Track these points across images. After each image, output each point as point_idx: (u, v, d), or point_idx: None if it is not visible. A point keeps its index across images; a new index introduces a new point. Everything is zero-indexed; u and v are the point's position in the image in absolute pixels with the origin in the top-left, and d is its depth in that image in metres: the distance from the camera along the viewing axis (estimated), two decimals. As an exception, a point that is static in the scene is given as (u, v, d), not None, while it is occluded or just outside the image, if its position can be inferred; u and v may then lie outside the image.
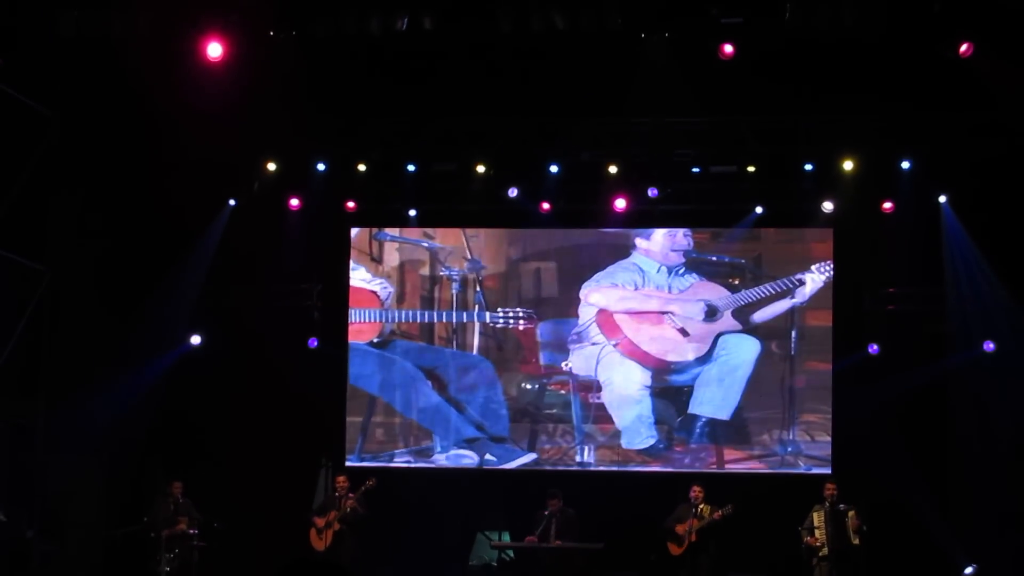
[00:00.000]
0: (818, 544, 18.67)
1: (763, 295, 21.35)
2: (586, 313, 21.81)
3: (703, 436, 21.40)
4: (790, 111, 19.84)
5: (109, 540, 20.27)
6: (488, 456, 21.81)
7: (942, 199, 20.59)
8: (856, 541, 18.60)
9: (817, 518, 18.80)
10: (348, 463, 21.70)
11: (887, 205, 20.63)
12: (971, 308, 20.46)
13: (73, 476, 20.47)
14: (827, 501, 18.76)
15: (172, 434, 21.34)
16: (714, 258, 21.64)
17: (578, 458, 21.68)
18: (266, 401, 21.16)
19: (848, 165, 20.16)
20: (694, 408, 21.44)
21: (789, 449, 21.13)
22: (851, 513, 18.60)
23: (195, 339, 21.58)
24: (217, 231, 21.53)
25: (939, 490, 20.08)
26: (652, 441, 21.51)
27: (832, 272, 21.09)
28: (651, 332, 21.59)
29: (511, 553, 21.61)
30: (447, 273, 22.10)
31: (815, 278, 21.18)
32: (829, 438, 20.95)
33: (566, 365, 21.79)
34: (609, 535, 19.73)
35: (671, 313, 21.58)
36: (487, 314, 22.00)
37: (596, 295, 21.82)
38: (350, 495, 19.72)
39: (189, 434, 21.32)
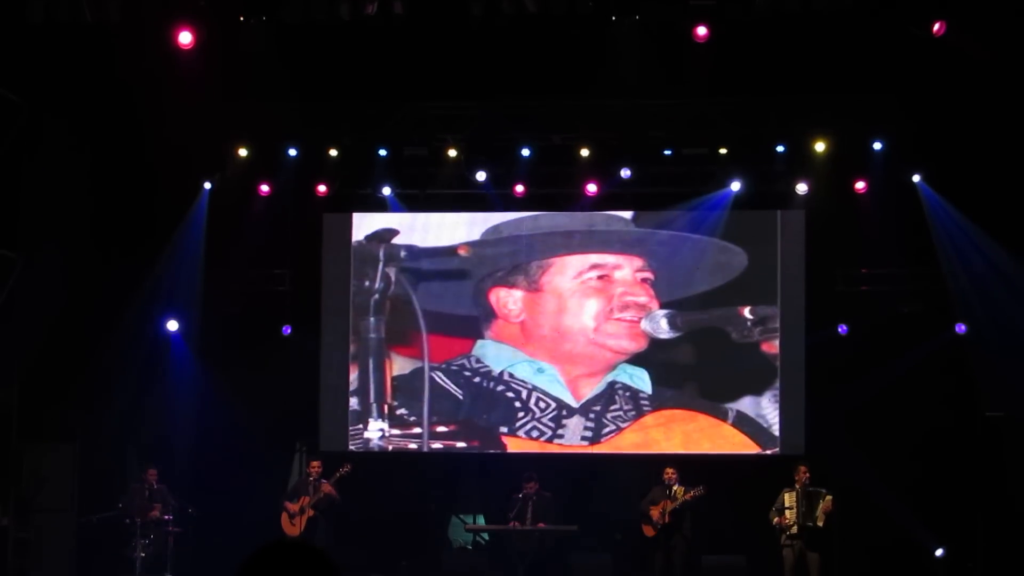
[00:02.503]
0: (788, 523, 18.76)
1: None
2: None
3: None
4: (761, 92, 19.86)
5: (84, 526, 20.24)
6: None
7: (916, 178, 20.61)
8: (820, 523, 18.68)
9: (788, 498, 18.88)
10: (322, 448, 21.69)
11: (859, 185, 20.67)
12: (963, 284, 20.46)
13: (48, 462, 20.43)
14: (798, 483, 18.84)
15: (147, 420, 21.29)
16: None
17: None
18: (240, 386, 21.14)
19: (820, 146, 20.20)
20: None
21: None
22: (828, 498, 18.68)
23: (172, 325, 21.51)
24: (197, 216, 21.46)
25: (911, 474, 20.11)
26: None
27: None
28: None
29: (486, 536, 21.66)
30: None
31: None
32: (797, 418, 21.00)
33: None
34: (583, 517, 19.78)
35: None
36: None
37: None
38: (323, 481, 19.73)
39: (164, 420, 21.27)
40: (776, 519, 18.89)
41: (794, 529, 18.74)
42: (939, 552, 19.46)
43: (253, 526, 20.17)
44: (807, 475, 18.84)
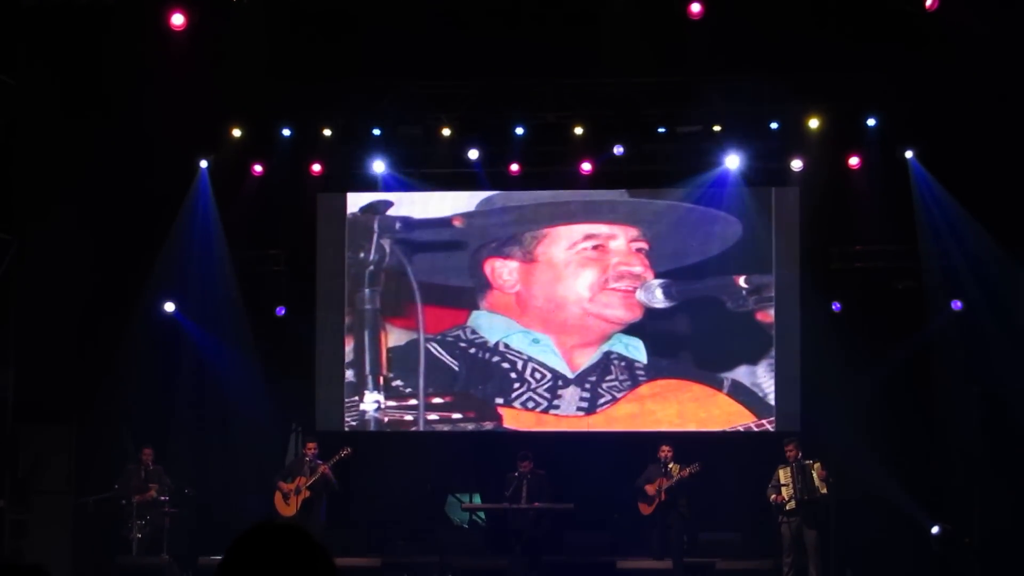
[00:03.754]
0: (785, 499, 18.79)
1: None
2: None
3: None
4: (755, 70, 19.83)
5: (80, 507, 20.24)
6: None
7: (908, 154, 20.60)
8: (824, 490, 18.74)
9: (784, 475, 18.91)
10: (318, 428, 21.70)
11: (853, 161, 20.65)
12: (949, 262, 20.48)
13: (44, 444, 20.44)
14: (790, 459, 18.88)
15: (143, 401, 21.29)
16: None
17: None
18: (235, 367, 21.16)
19: (814, 123, 20.20)
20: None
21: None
22: (816, 464, 18.73)
23: (169, 306, 21.49)
24: (192, 197, 21.45)
25: (908, 452, 20.12)
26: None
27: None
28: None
29: (482, 515, 21.68)
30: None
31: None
32: (793, 389, 21.05)
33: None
34: (579, 496, 19.79)
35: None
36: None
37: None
38: (319, 461, 19.71)
39: (160, 401, 21.27)
40: (773, 496, 18.92)
41: (791, 505, 18.77)
42: (935, 529, 19.45)
43: (249, 506, 20.25)
44: (796, 452, 18.88)
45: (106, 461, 20.56)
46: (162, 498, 19.61)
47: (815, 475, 18.71)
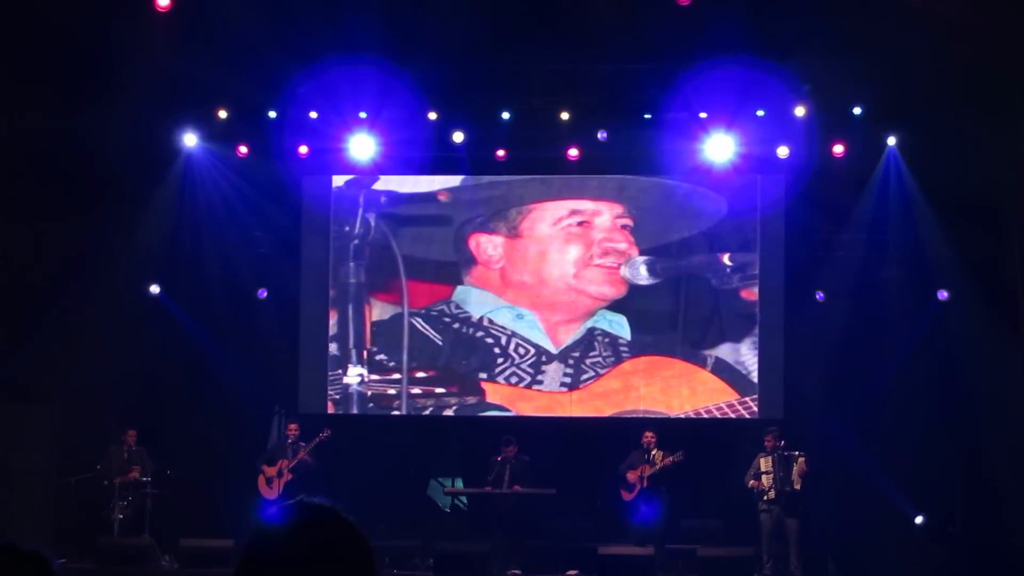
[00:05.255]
0: (764, 488, 18.83)
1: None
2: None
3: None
4: (743, 57, 19.81)
5: (62, 488, 20.24)
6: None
7: (891, 141, 20.56)
8: (798, 486, 18.79)
9: (764, 464, 18.95)
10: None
11: (838, 149, 20.64)
12: (914, 253, 20.54)
13: (25, 424, 20.43)
14: (769, 448, 18.91)
15: (126, 383, 21.27)
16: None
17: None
18: (218, 349, 21.16)
19: (800, 111, 20.18)
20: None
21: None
22: (801, 459, 18.77)
23: (154, 288, 21.46)
24: (180, 178, 21.41)
25: (889, 440, 20.12)
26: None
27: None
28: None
29: (464, 499, 21.70)
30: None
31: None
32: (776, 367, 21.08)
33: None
34: (562, 481, 19.81)
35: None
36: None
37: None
38: (301, 444, 19.72)
39: (143, 382, 21.26)
40: (752, 482, 18.96)
41: (771, 494, 18.82)
42: (919, 519, 19.49)
43: (231, 488, 20.26)
44: (777, 441, 18.91)
45: (89, 442, 20.55)
46: (144, 479, 19.63)
47: (795, 468, 18.76)
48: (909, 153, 20.48)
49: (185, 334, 21.40)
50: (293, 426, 20.08)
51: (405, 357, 21.92)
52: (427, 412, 21.81)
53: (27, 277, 20.16)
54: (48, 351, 19.93)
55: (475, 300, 21.99)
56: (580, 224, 21.72)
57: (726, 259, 21.43)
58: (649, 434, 19.54)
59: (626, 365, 21.56)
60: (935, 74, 18.93)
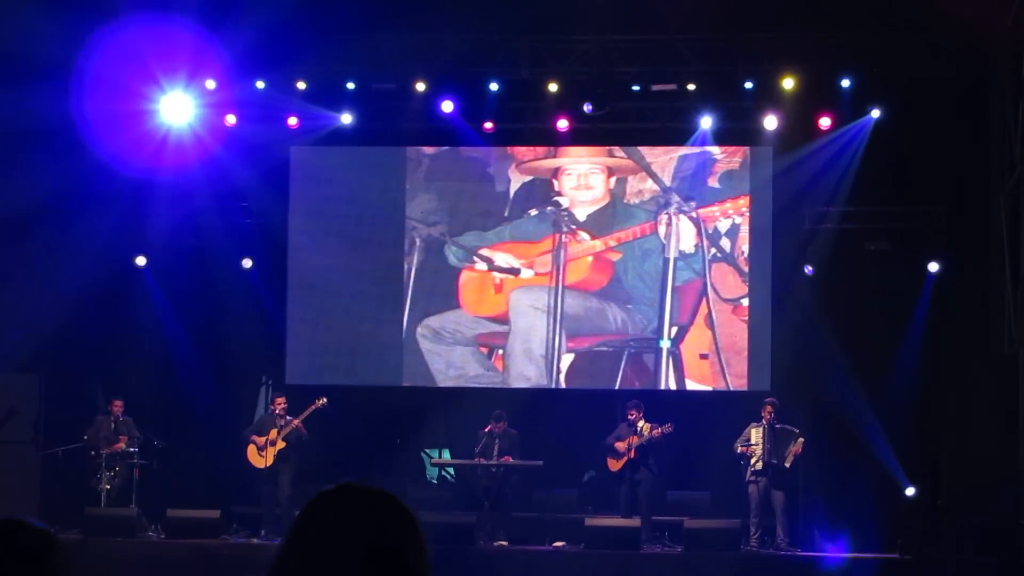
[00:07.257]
0: (751, 455, 18.86)
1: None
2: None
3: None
4: (730, 29, 19.80)
5: (48, 458, 20.23)
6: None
7: (875, 113, 20.48)
8: (787, 464, 18.84)
9: (755, 435, 18.96)
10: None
11: (825, 122, 20.56)
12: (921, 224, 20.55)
13: (11, 394, 20.40)
14: (765, 420, 18.93)
15: (113, 352, 21.25)
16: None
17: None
18: (206, 320, 21.16)
19: (788, 83, 20.15)
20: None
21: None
22: (800, 440, 18.83)
23: (140, 260, 21.38)
24: (165, 150, 21.33)
25: (881, 412, 20.11)
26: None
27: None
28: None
29: (452, 471, 21.72)
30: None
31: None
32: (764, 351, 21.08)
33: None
34: (549, 453, 19.83)
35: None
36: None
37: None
38: (289, 418, 19.62)
39: (130, 353, 21.24)
40: (740, 448, 18.97)
41: (758, 465, 18.84)
42: (910, 491, 19.50)
43: (218, 458, 20.27)
44: (772, 414, 18.92)
45: (75, 411, 20.54)
46: (131, 450, 19.62)
47: (792, 447, 18.81)
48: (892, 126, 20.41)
49: (172, 304, 21.33)
50: (280, 399, 19.94)
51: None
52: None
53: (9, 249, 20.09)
54: (34, 320, 19.85)
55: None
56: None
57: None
58: (635, 409, 19.50)
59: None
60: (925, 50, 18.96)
